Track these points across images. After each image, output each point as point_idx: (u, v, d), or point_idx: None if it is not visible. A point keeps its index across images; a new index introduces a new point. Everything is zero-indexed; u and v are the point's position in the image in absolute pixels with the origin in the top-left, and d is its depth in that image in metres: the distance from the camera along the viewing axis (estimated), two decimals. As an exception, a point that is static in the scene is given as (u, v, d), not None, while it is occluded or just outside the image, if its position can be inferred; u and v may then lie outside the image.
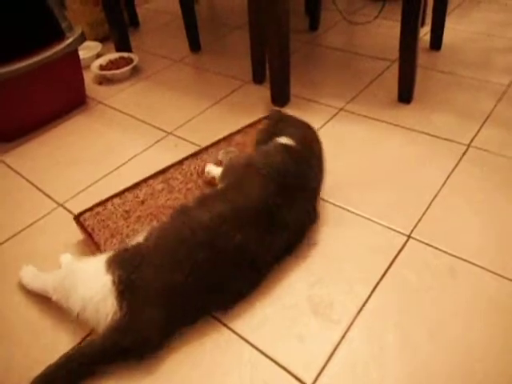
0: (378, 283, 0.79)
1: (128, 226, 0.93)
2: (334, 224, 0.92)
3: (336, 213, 0.95)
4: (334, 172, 1.05)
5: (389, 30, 1.72)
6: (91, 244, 0.89)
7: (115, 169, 1.14)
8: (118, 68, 1.60)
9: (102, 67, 1.63)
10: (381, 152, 1.11)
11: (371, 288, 0.79)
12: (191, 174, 1.04)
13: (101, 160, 1.18)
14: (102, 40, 1.86)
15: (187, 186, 1.01)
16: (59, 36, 1.30)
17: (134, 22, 2.04)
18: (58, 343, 0.75)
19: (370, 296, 0.77)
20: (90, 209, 0.98)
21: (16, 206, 1.07)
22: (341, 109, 1.28)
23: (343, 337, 0.72)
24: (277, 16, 1.17)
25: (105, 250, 0.87)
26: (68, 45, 1.30)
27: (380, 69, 1.47)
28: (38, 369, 0.66)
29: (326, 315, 0.75)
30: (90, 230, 0.92)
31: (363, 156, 1.10)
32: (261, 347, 0.72)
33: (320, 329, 0.73)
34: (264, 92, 1.39)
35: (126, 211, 0.97)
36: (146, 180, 1.04)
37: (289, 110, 1.30)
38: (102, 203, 0.99)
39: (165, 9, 2.24)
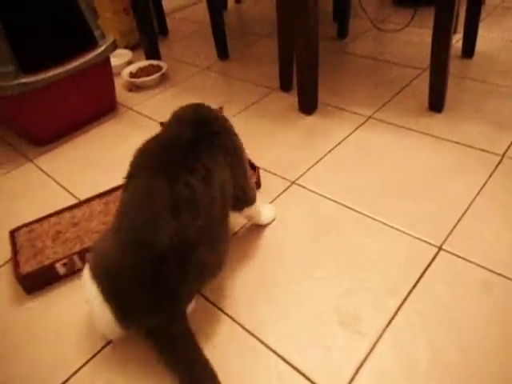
0: (407, 296, 0.77)
1: (53, 248, 0.92)
2: (361, 234, 0.90)
3: (363, 222, 0.93)
4: (362, 181, 1.04)
5: (419, 37, 1.69)
6: (12, 261, 0.89)
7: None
8: (147, 75, 1.63)
9: (132, 74, 1.66)
10: (410, 161, 1.08)
11: (400, 301, 0.77)
12: None
13: (121, 165, 1.20)
14: (132, 48, 1.90)
15: None
16: (92, 44, 1.33)
17: (163, 31, 2.08)
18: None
19: (399, 309, 0.75)
20: (27, 225, 0.98)
21: (47, 208, 1.09)
22: (369, 117, 1.27)
23: (371, 350, 0.70)
24: (306, 24, 1.17)
25: (22, 270, 0.87)
26: (100, 53, 1.34)
27: (410, 77, 1.44)
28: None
29: (354, 327, 0.73)
30: (18, 247, 0.93)
31: (392, 165, 1.08)
32: (287, 357, 0.70)
33: (347, 341, 0.72)
34: (291, 99, 1.39)
35: (58, 231, 0.96)
36: (88, 200, 1.04)
37: (316, 118, 1.30)
38: (40, 220, 0.99)
39: (193, 17, 2.27)
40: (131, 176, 0.73)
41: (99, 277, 0.66)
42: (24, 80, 1.20)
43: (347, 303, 0.77)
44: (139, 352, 0.74)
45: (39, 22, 1.23)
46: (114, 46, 1.40)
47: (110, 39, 1.38)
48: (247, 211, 0.88)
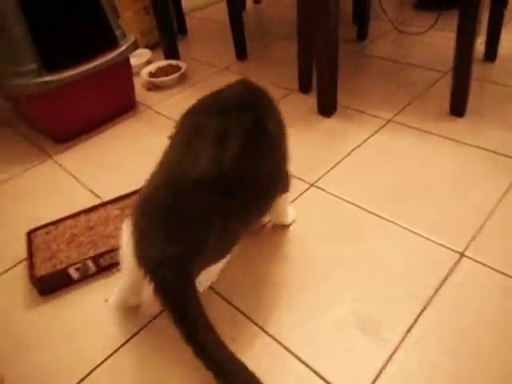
0: (428, 302, 0.76)
1: (67, 251, 0.92)
2: (381, 238, 0.90)
3: (383, 226, 0.92)
4: (382, 184, 1.03)
5: (441, 40, 1.67)
6: (28, 263, 0.90)
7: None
8: (166, 75, 1.64)
9: (151, 74, 1.67)
10: (431, 165, 1.07)
11: (421, 307, 0.76)
12: None
13: (147, 164, 1.20)
14: (152, 47, 1.92)
15: None
16: (113, 44, 1.34)
17: (182, 30, 2.09)
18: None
19: (419, 315, 0.74)
20: (44, 226, 0.98)
21: (66, 204, 1.10)
22: (389, 120, 1.26)
23: (391, 357, 0.69)
24: (326, 25, 1.16)
25: (36, 273, 0.87)
26: (121, 52, 1.35)
27: (431, 80, 1.43)
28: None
29: (374, 332, 0.73)
30: (33, 248, 0.93)
31: (413, 169, 1.07)
32: (307, 361, 0.70)
33: (367, 346, 0.71)
34: (310, 101, 1.38)
35: (74, 235, 0.95)
36: (105, 204, 1.03)
37: (335, 120, 1.29)
38: (56, 222, 0.99)
39: (212, 17, 2.28)
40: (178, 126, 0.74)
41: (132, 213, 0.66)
42: (47, 78, 1.22)
43: (367, 308, 0.76)
44: (148, 359, 0.75)
45: (62, 21, 1.25)
46: (134, 46, 1.41)
47: (130, 39, 1.39)
48: (280, 200, 0.85)
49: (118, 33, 1.35)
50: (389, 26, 1.76)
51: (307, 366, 0.70)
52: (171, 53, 1.77)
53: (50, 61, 1.22)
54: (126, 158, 1.27)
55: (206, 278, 0.71)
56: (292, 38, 1.90)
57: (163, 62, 1.73)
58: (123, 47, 1.35)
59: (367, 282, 0.81)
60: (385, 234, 0.90)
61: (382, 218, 0.94)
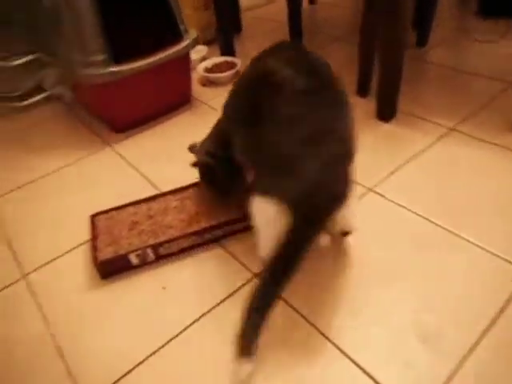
0: (494, 320, 0.74)
1: (128, 238, 0.94)
2: (444, 250, 0.87)
3: (447, 238, 0.90)
4: (445, 194, 1.00)
5: (506, 49, 1.61)
6: (91, 246, 0.93)
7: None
8: (221, 71, 1.66)
9: (207, 69, 1.70)
10: (496, 178, 1.03)
11: (487, 323, 0.73)
12: (207, 199, 1.02)
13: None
14: (207, 43, 1.94)
15: (198, 209, 0.99)
16: (177, 38, 1.37)
17: (237, 28, 2.11)
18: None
19: (485, 332, 0.72)
20: (107, 211, 1.01)
21: (124, 191, 1.13)
22: (451, 128, 1.22)
23: (455, 373, 0.67)
24: (394, 30, 1.14)
25: (99, 256, 0.90)
26: (184, 47, 1.38)
27: (496, 90, 1.38)
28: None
29: (435, 345, 0.71)
30: (96, 232, 0.96)
31: (477, 181, 1.03)
32: (365, 367, 0.69)
33: (428, 358, 0.69)
34: (367, 105, 1.36)
35: (134, 222, 0.98)
36: (164, 194, 1.05)
37: (394, 125, 1.27)
38: (119, 208, 1.02)
39: (266, 16, 2.29)
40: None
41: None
42: (113, 69, 1.26)
43: (428, 320, 0.75)
44: (204, 348, 0.76)
45: (131, 14, 1.28)
46: (195, 42, 1.43)
47: (193, 34, 1.42)
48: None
49: (182, 27, 1.37)
50: (449, 33, 1.71)
51: (364, 371, 0.69)
52: (227, 50, 1.79)
53: (117, 52, 1.26)
54: (181, 151, 1.29)
55: None
56: (347, 39, 1.88)
57: (219, 59, 1.75)
58: (186, 42, 1.38)
59: (429, 294, 0.79)
60: (448, 245, 0.88)
61: (446, 229, 0.91)
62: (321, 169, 0.69)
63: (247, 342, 0.66)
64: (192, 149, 1.02)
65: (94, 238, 0.95)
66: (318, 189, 0.70)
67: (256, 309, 0.66)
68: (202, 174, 0.98)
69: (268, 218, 0.74)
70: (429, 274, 0.83)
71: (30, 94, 1.65)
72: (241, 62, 1.70)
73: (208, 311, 0.81)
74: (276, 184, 0.72)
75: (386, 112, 1.28)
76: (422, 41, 1.71)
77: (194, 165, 0.99)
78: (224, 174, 0.93)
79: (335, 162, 0.71)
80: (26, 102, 1.62)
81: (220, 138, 0.92)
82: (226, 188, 0.96)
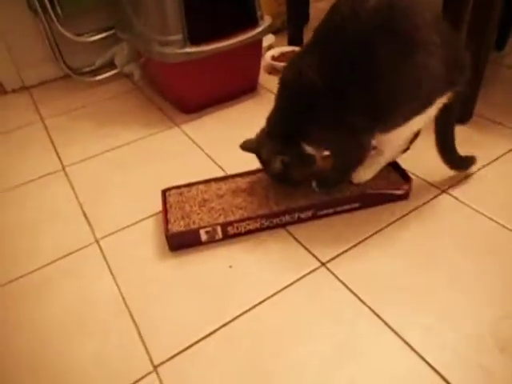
0: None
1: (198, 214, 0.96)
2: (523, 259, 0.84)
3: (525, 248, 0.86)
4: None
5: None
6: (163, 218, 0.95)
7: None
8: (288, 60, 1.65)
9: (273, 58, 1.70)
10: None
11: None
12: (276, 184, 1.01)
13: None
14: (274, 32, 1.94)
15: (267, 193, 1.00)
16: (253, 23, 1.37)
17: (305, 18, 2.09)
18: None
19: None
20: (178, 187, 1.04)
21: (192, 169, 1.16)
22: (531, 136, 1.16)
23: (535, 384, 0.65)
24: (483, 30, 1.10)
25: (170, 229, 0.93)
26: (259, 33, 1.38)
27: None
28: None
29: (514, 355, 0.68)
30: (168, 206, 0.99)
31: (559, 192, 0.98)
32: (441, 371, 0.68)
33: (507, 368, 0.67)
34: (441, 105, 1.32)
35: (205, 200, 1.00)
36: (234, 176, 1.06)
37: (470, 129, 1.22)
38: (189, 185, 1.04)
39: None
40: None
41: None
42: (189, 50, 1.28)
43: (508, 329, 0.72)
44: (272, 325, 0.76)
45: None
46: (269, 29, 1.43)
47: (268, 21, 1.42)
48: None
49: (258, 13, 1.38)
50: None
51: (437, 372, 0.67)
52: (296, 39, 1.78)
53: (194, 33, 1.28)
54: (245, 137, 1.30)
55: None
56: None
57: (287, 48, 1.74)
58: (261, 28, 1.38)
59: (509, 303, 0.76)
60: (527, 255, 0.84)
61: (523, 238, 0.88)
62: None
63: None
64: (245, 147, 1.01)
65: (166, 211, 0.97)
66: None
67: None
68: (275, 176, 0.97)
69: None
70: (508, 282, 0.79)
71: (101, 70, 1.71)
72: (308, 53, 1.68)
73: (274, 294, 0.82)
74: None
75: (462, 114, 1.23)
76: (500, 44, 1.64)
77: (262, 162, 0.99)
78: (298, 172, 0.94)
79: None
80: (98, 77, 1.68)
81: (287, 134, 0.92)
82: (299, 182, 0.97)
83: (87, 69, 1.75)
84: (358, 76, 0.80)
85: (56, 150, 1.32)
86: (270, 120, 0.96)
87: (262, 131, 0.98)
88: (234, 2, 1.33)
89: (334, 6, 0.83)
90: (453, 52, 0.83)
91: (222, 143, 1.28)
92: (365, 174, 0.99)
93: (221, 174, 1.13)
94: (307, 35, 1.93)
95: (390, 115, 0.85)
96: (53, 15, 1.51)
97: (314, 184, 0.97)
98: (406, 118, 0.86)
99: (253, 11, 1.37)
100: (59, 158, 1.29)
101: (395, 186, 0.98)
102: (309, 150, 0.92)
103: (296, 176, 0.96)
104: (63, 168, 1.24)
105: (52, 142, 1.36)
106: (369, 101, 0.82)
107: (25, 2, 1.56)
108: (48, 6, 1.48)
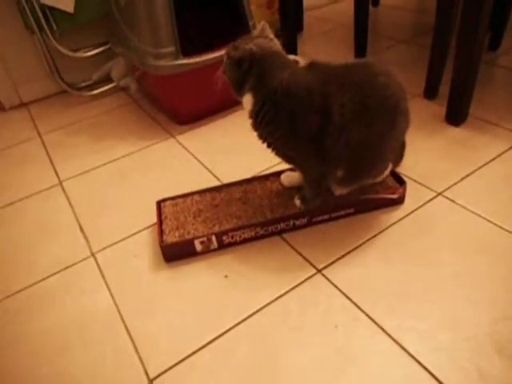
0: None
1: (193, 224, 0.96)
2: (521, 260, 0.83)
3: (523, 248, 0.85)
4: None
5: None
6: (157, 230, 0.95)
7: (274, 164, 1.17)
8: (283, 69, 1.66)
9: (268, 67, 1.70)
10: None
11: None
12: (270, 192, 1.03)
13: (261, 153, 1.23)
14: (269, 41, 1.95)
15: (262, 201, 1.00)
16: (246, 33, 1.38)
17: (299, 27, 2.11)
18: (226, 316, 0.79)
19: None
20: (173, 198, 1.04)
21: (188, 180, 1.16)
22: (527, 136, 1.16)
23: (535, 387, 0.64)
24: (475, 30, 1.10)
25: (165, 239, 0.93)
26: (251, 42, 1.39)
27: None
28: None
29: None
30: (163, 217, 0.99)
31: (556, 191, 0.97)
32: (438, 375, 0.67)
33: (504, 370, 0.66)
34: (435, 108, 1.32)
35: (200, 210, 1.00)
36: (228, 185, 1.06)
37: (464, 130, 1.22)
38: (184, 196, 1.04)
39: (327, 16, 2.27)
40: None
41: None
42: (182, 61, 1.29)
43: (506, 330, 0.71)
44: (264, 341, 0.76)
45: (203, 9, 1.31)
46: (262, 37, 1.44)
47: (260, 30, 1.42)
48: None
49: (251, 23, 1.39)
50: (527, 37, 1.63)
51: (436, 378, 0.66)
52: (290, 48, 1.78)
53: (187, 45, 1.29)
54: (242, 146, 1.30)
55: None
56: (412, 42, 1.83)
57: (281, 57, 1.75)
58: (254, 38, 1.39)
59: (505, 303, 0.75)
60: (525, 256, 0.83)
61: (520, 238, 0.87)
62: None
63: None
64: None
65: (161, 222, 0.97)
66: None
67: None
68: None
69: None
70: (506, 283, 0.79)
71: (98, 84, 1.72)
72: (304, 61, 1.69)
73: (271, 302, 0.82)
74: None
75: (455, 116, 1.23)
76: (494, 44, 1.64)
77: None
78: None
79: None
80: (95, 92, 1.69)
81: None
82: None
83: (84, 84, 1.76)
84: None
85: (53, 165, 1.33)
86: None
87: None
88: (225, 13, 1.35)
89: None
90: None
91: (217, 153, 1.28)
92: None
93: (216, 183, 1.13)
94: (302, 44, 1.95)
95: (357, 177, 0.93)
96: (49, 32, 1.53)
97: (297, 202, 0.97)
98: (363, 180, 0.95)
99: (245, 21, 1.38)
100: (56, 172, 1.29)
101: (390, 191, 0.97)
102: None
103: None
104: (60, 183, 1.24)
105: (49, 158, 1.37)
106: (352, 161, 0.87)
107: (21, 22, 1.58)
108: (44, 23, 1.50)
